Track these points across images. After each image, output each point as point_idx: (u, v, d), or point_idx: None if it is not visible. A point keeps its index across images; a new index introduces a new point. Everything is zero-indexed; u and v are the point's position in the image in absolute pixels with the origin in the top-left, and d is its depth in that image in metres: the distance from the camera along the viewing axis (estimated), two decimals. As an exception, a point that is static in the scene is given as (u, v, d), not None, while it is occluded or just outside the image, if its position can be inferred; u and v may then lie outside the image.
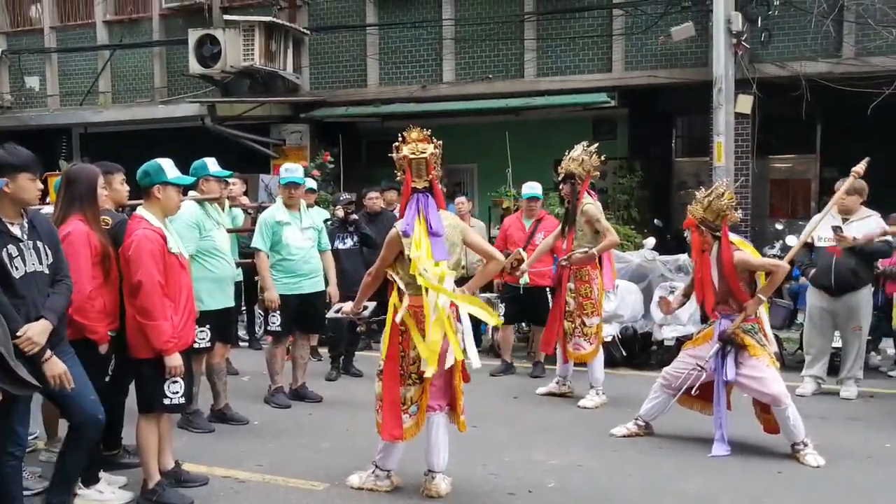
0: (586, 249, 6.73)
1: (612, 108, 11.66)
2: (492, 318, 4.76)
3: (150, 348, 4.32)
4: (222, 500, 4.68)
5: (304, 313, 6.80)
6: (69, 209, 4.42)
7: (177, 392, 4.48)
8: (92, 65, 14.47)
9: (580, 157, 6.83)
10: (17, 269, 3.76)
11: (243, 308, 9.26)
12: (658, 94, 11.86)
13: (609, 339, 8.17)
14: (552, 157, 12.28)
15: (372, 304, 5.16)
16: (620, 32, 11.38)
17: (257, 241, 6.64)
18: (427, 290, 4.39)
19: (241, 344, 9.43)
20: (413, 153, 4.52)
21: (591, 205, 6.81)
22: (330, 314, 5.62)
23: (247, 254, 7.32)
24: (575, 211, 6.81)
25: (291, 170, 6.87)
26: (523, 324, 8.94)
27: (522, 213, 8.21)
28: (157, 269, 4.35)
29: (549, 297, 7.79)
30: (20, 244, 3.80)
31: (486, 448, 5.63)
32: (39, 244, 3.89)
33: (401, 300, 4.49)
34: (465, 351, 4.53)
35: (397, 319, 4.49)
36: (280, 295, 6.62)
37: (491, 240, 10.30)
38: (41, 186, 3.94)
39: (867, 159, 5.89)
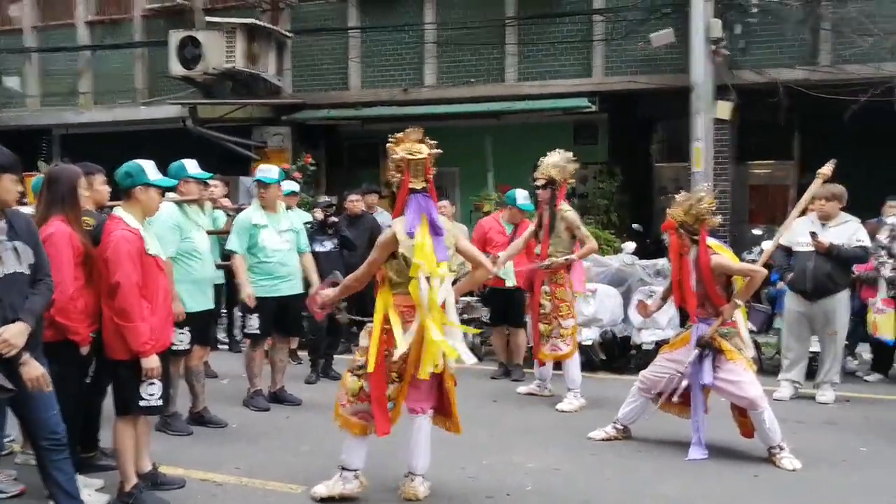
0: (568, 256, 6.81)
1: (593, 112, 11.72)
2: (452, 354, 4.52)
3: (127, 350, 4.31)
4: (200, 504, 4.66)
5: (281, 316, 6.79)
6: (50, 210, 4.38)
7: (153, 394, 4.44)
8: (73, 65, 14.37)
9: (559, 163, 6.88)
10: None
11: (223, 311, 9.23)
12: (638, 100, 11.92)
13: (588, 342, 8.22)
14: (533, 161, 12.13)
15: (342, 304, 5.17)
16: (601, 38, 11.45)
17: (232, 243, 6.63)
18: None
19: (220, 347, 9.40)
20: (411, 154, 4.49)
21: (570, 211, 6.90)
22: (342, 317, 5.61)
23: (227, 256, 7.30)
24: (553, 216, 6.85)
25: (265, 170, 6.85)
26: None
27: (501, 216, 8.22)
28: (135, 271, 4.34)
29: (528, 297, 7.86)
30: (0, 245, 3.75)
31: (465, 451, 5.63)
32: (18, 244, 3.82)
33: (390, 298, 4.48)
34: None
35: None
36: (257, 297, 6.60)
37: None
38: (21, 188, 3.91)
39: (833, 161, 5.95)
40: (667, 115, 12.02)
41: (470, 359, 4.54)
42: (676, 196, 5.60)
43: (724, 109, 10.54)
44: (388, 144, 4.58)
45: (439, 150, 4.57)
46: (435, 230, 4.44)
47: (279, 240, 6.71)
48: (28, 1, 14.64)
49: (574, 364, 6.94)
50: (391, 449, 4.97)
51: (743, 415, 5.56)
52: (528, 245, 7.10)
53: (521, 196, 8.12)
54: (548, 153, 6.97)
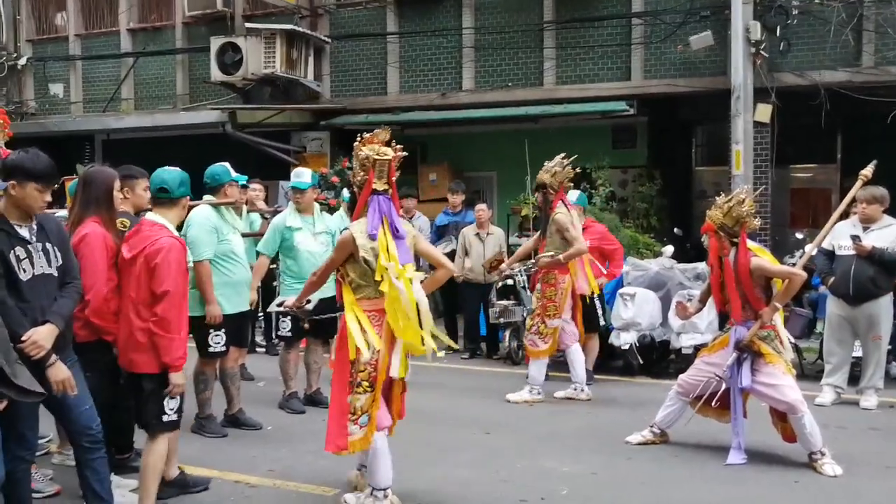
0: (552, 254, 6.98)
1: (632, 116, 11.62)
2: (420, 352, 4.47)
3: (157, 363, 4.14)
4: (233, 505, 4.70)
5: (315, 319, 6.80)
6: (85, 211, 4.41)
7: (173, 408, 4.31)
8: (115, 72, 14.63)
9: (553, 168, 7.14)
10: (24, 271, 3.70)
11: (260, 314, 9.31)
12: (677, 103, 11.80)
13: (626, 346, 8.15)
14: (572, 164, 12.26)
15: (315, 298, 5.14)
16: (639, 41, 11.36)
17: (262, 245, 6.71)
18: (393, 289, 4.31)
19: (257, 350, 9.49)
20: (378, 154, 4.44)
21: (561, 214, 7.03)
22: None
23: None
24: (547, 219, 7.10)
25: (299, 174, 6.89)
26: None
27: None
28: (183, 281, 4.25)
29: (598, 303, 7.89)
30: (28, 246, 3.75)
31: (499, 454, 5.62)
32: (48, 246, 3.83)
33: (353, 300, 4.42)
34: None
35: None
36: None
37: (511, 249, 10.35)
38: (48, 199, 3.84)
39: (874, 162, 5.86)
40: (706, 118, 11.89)
41: (431, 348, 4.46)
42: (717, 198, 5.56)
43: (765, 112, 10.39)
44: (355, 144, 4.55)
45: (405, 153, 4.57)
46: (395, 233, 4.43)
47: (314, 242, 6.74)
48: (73, 9, 14.94)
49: (542, 364, 7.16)
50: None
51: (783, 419, 5.46)
52: (541, 247, 7.25)
53: (572, 193, 8.12)
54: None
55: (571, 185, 7.39)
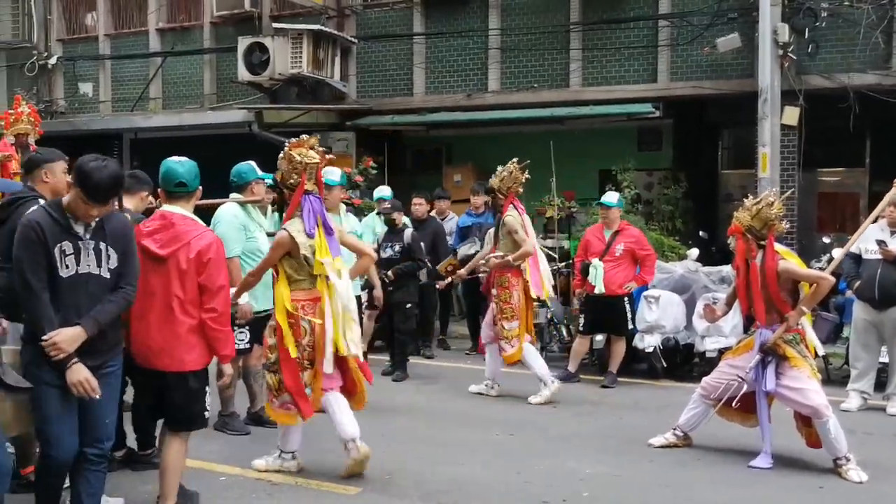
0: (502, 254, 7.19)
1: (657, 118, 11.56)
2: (342, 349, 4.91)
3: (204, 359, 4.15)
4: (255, 503, 4.72)
5: None
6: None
7: (210, 404, 4.34)
8: (144, 71, 14.77)
9: (502, 173, 7.40)
10: (66, 267, 3.60)
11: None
12: (703, 105, 11.73)
13: (650, 350, 8.11)
14: (597, 167, 12.27)
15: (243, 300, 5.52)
16: (666, 43, 11.29)
17: None
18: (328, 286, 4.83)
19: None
20: (308, 158, 4.84)
21: (510, 217, 7.25)
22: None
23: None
24: (497, 222, 7.41)
25: (327, 172, 6.92)
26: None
27: (603, 224, 8.19)
28: (228, 276, 4.29)
29: (627, 307, 7.86)
30: (79, 242, 3.64)
31: (521, 455, 5.63)
32: (102, 246, 3.69)
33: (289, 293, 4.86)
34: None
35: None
36: None
37: (577, 254, 10.36)
38: (95, 214, 3.67)
39: None
40: (733, 120, 11.80)
41: (356, 350, 4.95)
42: (745, 200, 5.53)
43: (792, 115, 10.30)
44: (285, 148, 4.90)
45: (332, 157, 5.05)
46: (328, 230, 4.90)
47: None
48: (103, 10, 15.11)
49: (499, 362, 7.38)
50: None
51: (808, 424, 5.42)
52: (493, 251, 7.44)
53: (606, 196, 8.28)
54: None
55: (521, 189, 7.58)
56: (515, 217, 7.27)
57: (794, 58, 10.20)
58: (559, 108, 11.64)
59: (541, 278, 7.34)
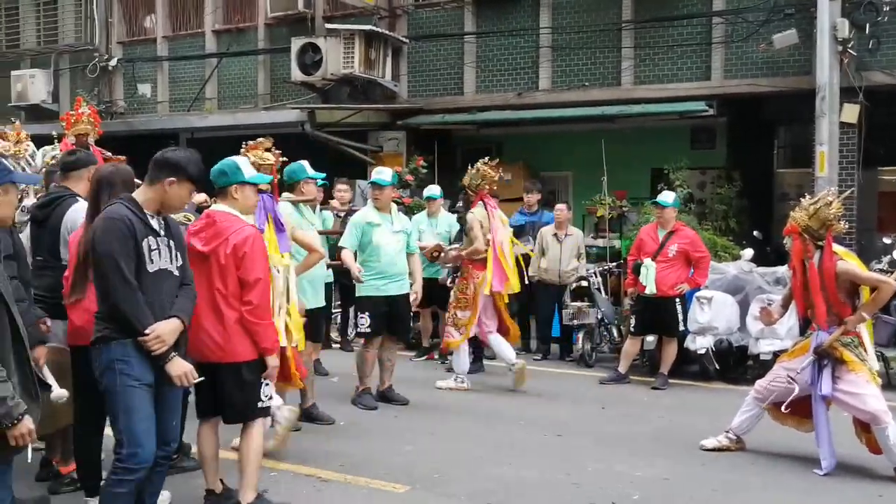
0: (456, 246, 7.74)
1: (711, 116, 11.37)
2: (299, 341, 5.18)
3: (253, 350, 4.21)
4: (304, 499, 4.76)
5: (392, 315, 6.90)
6: None
7: (268, 395, 4.42)
8: (200, 72, 15.03)
9: (472, 171, 7.67)
10: (152, 262, 3.70)
11: (334, 309, 9.46)
12: (759, 103, 11.50)
13: (702, 351, 8.00)
14: (649, 165, 12.13)
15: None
16: (720, 40, 11.10)
17: (345, 240, 6.82)
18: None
19: (333, 346, 9.65)
20: (262, 160, 5.06)
21: (470, 214, 7.56)
22: None
23: (336, 256, 7.52)
24: (462, 218, 7.77)
25: (379, 172, 7.00)
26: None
27: (657, 224, 8.12)
28: (267, 268, 4.35)
29: (679, 308, 7.78)
30: (158, 238, 3.75)
31: (570, 456, 5.60)
32: (171, 244, 3.82)
33: None
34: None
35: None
36: (368, 297, 6.77)
37: (597, 252, 10.30)
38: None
39: None
40: (789, 118, 11.55)
41: (286, 342, 4.91)
42: (802, 200, 5.42)
43: (851, 113, 10.04)
44: (241, 150, 5.11)
45: (284, 158, 5.32)
46: (278, 227, 5.10)
47: (392, 240, 6.83)
48: (161, 12, 15.42)
49: (463, 353, 7.63)
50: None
51: (866, 430, 5.28)
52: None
53: (662, 196, 8.20)
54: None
55: (495, 187, 7.85)
56: (476, 214, 7.51)
57: (854, 54, 9.93)
58: (610, 107, 11.53)
59: (505, 273, 7.48)
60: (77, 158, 4.87)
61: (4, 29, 16.63)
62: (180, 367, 3.72)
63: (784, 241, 5.56)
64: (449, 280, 8.52)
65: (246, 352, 4.22)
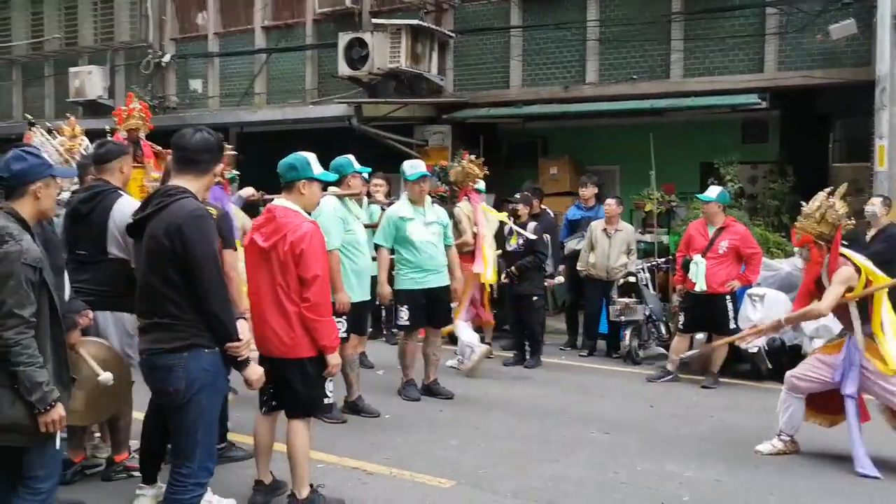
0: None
1: (764, 109, 11.11)
2: None
3: (314, 346, 4.20)
4: (350, 491, 4.76)
5: (431, 308, 6.89)
6: None
7: (332, 390, 4.44)
8: (249, 68, 15.19)
9: (456, 168, 8.20)
10: None
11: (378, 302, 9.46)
12: (814, 96, 11.21)
13: (755, 350, 7.82)
14: (699, 159, 11.92)
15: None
16: (774, 31, 10.83)
17: (379, 237, 6.79)
18: None
19: (381, 339, 9.67)
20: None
21: (457, 208, 8.15)
22: None
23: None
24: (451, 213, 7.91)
25: (416, 165, 6.95)
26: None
27: (706, 219, 7.98)
28: (326, 265, 4.32)
29: (729, 305, 7.64)
30: None
31: (618, 455, 5.51)
32: None
33: None
34: None
35: None
36: (407, 290, 6.79)
37: (644, 248, 10.19)
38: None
39: None
40: (846, 111, 11.22)
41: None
42: (802, 207, 5.40)
43: (912, 105, 9.72)
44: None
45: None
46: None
47: (426, 232, 6.79)
48: (212, 9, 15.62)
49: (461, 328, 8.04)
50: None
51: None
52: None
53: (707, 191, 8.10)
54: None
55: (478, 182, 8.45)
56: (463, 209, 8.15)
57: (916, 44, 9.62)
58: (659, 100, 11.34)
59: (483, 262, 8.08)
60: (108, 150, 4.85)
61: (64, 27, 17.03)
62: (257, 372, 3.74)
63: (800, 252, 5.42)
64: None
65: (310, 348, 4.20)
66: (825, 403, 5.49)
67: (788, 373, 5.58)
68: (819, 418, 5.59)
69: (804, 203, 5.49)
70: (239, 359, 3.61)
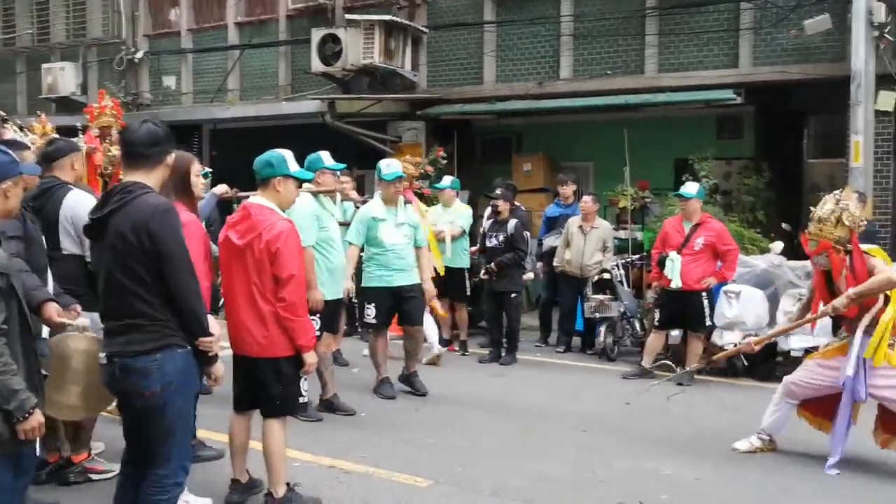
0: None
1: (738, 105, 11.12)
2: None
3: (291, 345, 4.15)
4: (326, 490, 4.69)
5: (399, 306, 6.87)
6: (167, 197, 4.06)
7: (306, 389, 4.39)
8: (222, 64, 15.00)
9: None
10: None
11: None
12: (789, 91, 11.23)
13: (730, 347, 7.80)
14: (673, 155, 11.92)
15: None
16: (749, 26, 10.84)
17: (351, 235, 6.76)
18: None
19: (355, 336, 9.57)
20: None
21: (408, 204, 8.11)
22: None
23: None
24: None
25: (392, 165, 6.89)
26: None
27: (683, 216, 7.94)
28: (302, 264, 4.25)
29: (705, 302, 7.62)
30: None
31: (596, 453, 5.47)
32: None
33: None
34: None
35: None
36: (374, 287, 6.78)
37: (619, 244, 10.14)
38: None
39: None
40: (820, 107, 11.26)
41: None
42: (813, 213, 5.13)
43: (888, 101, 9.75)
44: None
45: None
46: None
47: (397, 234, 6.77)
48: (185, 5, 15.41)
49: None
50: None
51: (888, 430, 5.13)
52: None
53: (685, 187, 8.03)
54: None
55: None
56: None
57: (892, 39, 9.64)
58: (634, 96, 11.32)
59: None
60: (57, 147, 4.83)
61: (36, 22, 16.75)
62: (222, 368, 3.62)
63: (818, 261, 5.23)
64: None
65: (285, 347, 4.16)
66: (820, 406, 5.40)
67: (787, 378, 5.49)
68: (814, 422, 5.50)
69: (812, 208, 5.25)
70: (210, 354, 3.51)
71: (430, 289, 7.10)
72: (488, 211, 9.20)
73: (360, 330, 9.71)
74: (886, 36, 9.54)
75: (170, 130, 3.63)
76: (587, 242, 8.91)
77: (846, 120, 9.74)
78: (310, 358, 4.21)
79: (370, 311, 6.80)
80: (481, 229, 8.89)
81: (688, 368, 6.90)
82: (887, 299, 5.00)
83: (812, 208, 5.25)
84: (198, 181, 4.40)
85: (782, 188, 11.44)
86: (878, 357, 4.91)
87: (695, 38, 11.18)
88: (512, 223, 8.43)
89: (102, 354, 3.46)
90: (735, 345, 7.68)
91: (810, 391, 5.31)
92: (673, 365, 7.69)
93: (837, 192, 5.29)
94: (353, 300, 9.05)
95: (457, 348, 9.06)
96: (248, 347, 4.17)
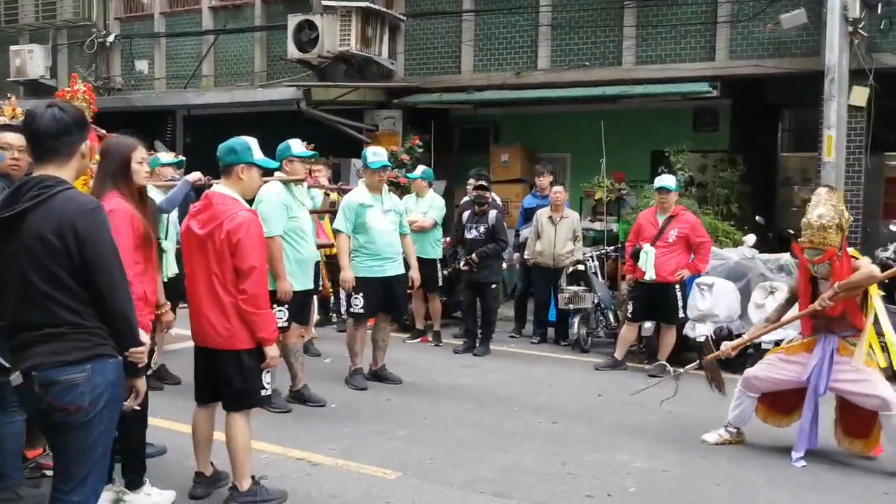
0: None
1: (714, 98, 11.15)
2: None
3: (252, 338, 4.09)
4: (293, 483, 4.64)
5: (387, 296, 6.79)
6: (104, 184, 3.92)
7: (269, 382, 4.31)
8: (197, 49, 14.80)
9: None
10: None
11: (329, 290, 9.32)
12: (764, 85, 11.28)
13: (702, 339, 7.82)
14: (650, 147, 11.94)
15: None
16: (725, 20, 10.86)
17: (339, 223, 6.66)
18: None
19: (328, 326, 9.50)
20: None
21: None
22: None
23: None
24: None
25: (378, 154, 6.83)
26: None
27: (657, 208, 7.92)
28: (264, 255, 4.17)
29: (678, 294, 7.62)
30: None
31: (568, 445, 5.46)
32: None
33: None
34: None
35: None
36: (364, 278, 6.66)
37: (594, 236, 10.15)
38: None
39: None
40: (795, 101, 11.32)
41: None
42: (817, 221, 4.96)
43: (861, 95, 9.81)
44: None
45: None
46: None
47: (385, 220, 6.71)
48: (159, -12, 15.21)
49: None
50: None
51: (855, 434, 5.20)
52: None
53: (658, 179, 8.01)
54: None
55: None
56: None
57: (865, 35, 9.69)
58: (611, 87, 11.30)
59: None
60: None
61: (4, 3, 16.40)
62: (144, 384, 3.48)
63: (818, 269, 5.17)
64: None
65: (247, 339, 4.10)
66: (776, 402, 5.48)
67: (748, 371, 5.52)
68: (770, 417, 5.56)
69: (796, 202, 5.28)
70: (140, 365, 3.31)
71: (417, 276, 7.07)
72: (464, 200, 9.16)
73: (334, 321, 9.67)
74: (860, 31, 9.58)
75: (80, 113, 3.16)
76: (558, 232, 8.92)
77: (819, 114, 9.80)
78: (272, 351, 4.16)
79: (358, 302, 6.71)
80: (461, 220, 8.77)
81: (683, 370, 6.88)
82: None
83: (794, 203, 5.26)
84: (140, 169, 4.06)
85: (756, 181, 11.49)
86: (865, 359, 5.00)
87: (672, 31, 11.18)
88: (492, 214, 8.42)
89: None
90: (713, 341, 7.75)
91: (770, 385, 5.35)
92: (668, 365, 7.67)
93: (823, 191, 5.20)
94: (331, 290, 9.02)
95: (430, 339, 9.02)
96: (210, 339, 4.12)
